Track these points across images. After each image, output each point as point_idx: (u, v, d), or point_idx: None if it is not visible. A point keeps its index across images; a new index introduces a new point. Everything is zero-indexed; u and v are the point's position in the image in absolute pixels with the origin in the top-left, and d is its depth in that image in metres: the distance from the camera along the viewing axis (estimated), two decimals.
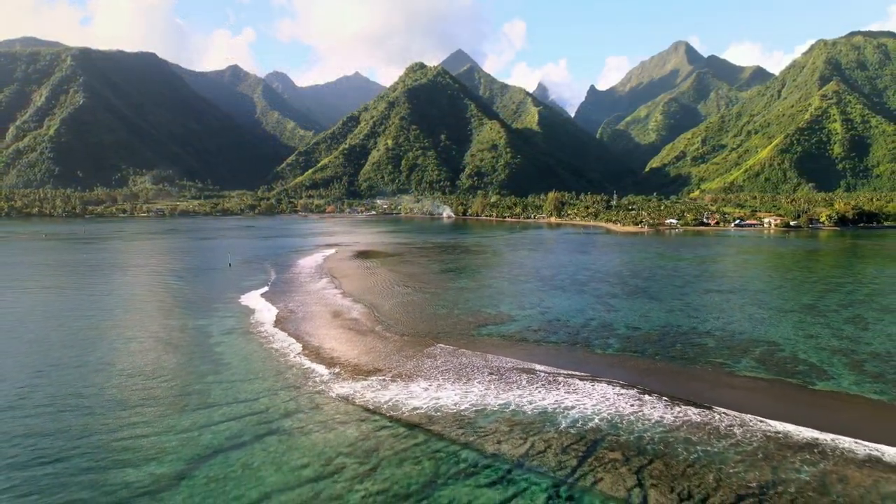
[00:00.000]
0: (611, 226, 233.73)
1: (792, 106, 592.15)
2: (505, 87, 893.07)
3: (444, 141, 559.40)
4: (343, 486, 26.12)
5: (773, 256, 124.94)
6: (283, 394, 37.79)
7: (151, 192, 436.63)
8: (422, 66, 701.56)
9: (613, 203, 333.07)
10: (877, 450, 29.26)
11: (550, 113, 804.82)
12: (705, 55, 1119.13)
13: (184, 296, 75.09)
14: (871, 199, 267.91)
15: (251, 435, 31.46)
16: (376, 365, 43.71)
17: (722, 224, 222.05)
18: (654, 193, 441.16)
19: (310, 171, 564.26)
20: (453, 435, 31.16)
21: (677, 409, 34.70)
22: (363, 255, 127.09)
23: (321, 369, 42.89)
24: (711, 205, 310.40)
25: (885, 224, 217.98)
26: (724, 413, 34.04)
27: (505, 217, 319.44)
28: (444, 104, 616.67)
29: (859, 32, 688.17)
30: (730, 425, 32.19)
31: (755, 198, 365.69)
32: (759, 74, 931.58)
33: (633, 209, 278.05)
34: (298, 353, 47.17)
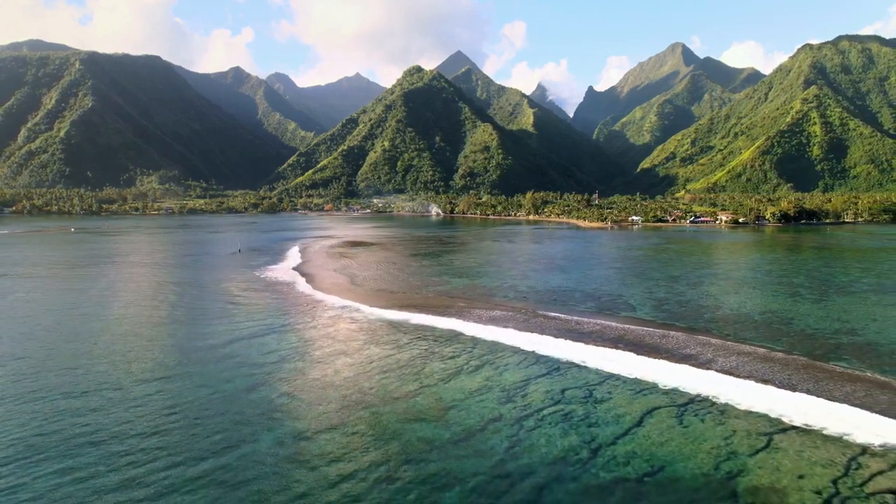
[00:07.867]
0: (580, 222, 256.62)
1: (777, 109, 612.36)
2: (502, 88, 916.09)
3: (439, 143, 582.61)
4: (316, 346, 48.75)
5: (693, 246, 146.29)
6: (282, 316, 60.39)
7: (159, 192, 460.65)
8: (419, 69, 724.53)
9: (596, 202, 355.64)
10: (626, 329, 52.19)
11: (546, 114, 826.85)
12: (708, 54, 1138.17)
13: (205, 270, 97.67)
14: (826, 199, 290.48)
15: (264, 332, 53.95)
16: (347, 303, 66.37)
17: (679, 221, 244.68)
18: (637, 193, 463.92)
19: (310, 171, 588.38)
20: (385, 329, 53.92)
21: (531, 320, 57.25)
22: (352, 244, 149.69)
23: (308, 304, 65.62)
24: (687, 204, 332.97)
25: (826, 221, 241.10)
26: (555, 318, 57.08)
27: (488, 215, 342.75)
28: (439, 107, 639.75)
29: (846, 37, 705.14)
30: (550, 324, 54.78)
31: (733, 198, 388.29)
32: (755, 77, 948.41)
33: (611, 208, 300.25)
34: (294, 298, 69.85)
